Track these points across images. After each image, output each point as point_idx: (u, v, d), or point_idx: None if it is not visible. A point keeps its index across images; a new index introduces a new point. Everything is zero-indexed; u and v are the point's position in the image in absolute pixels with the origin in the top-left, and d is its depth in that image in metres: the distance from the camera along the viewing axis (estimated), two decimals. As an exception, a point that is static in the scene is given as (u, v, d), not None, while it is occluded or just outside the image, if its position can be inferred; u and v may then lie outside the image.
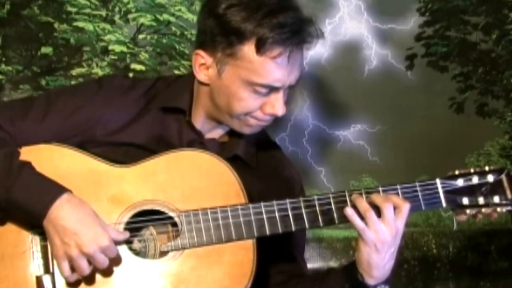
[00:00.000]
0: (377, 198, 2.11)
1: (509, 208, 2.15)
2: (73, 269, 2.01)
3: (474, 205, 2.15)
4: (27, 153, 2.08)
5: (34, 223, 2.02)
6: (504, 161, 3.60)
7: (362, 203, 2.11)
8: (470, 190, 2.15)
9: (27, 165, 2.05)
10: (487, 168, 2.16)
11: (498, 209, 2.15)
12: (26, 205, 2.00)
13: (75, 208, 2.00)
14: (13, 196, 2.01)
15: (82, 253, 1.98)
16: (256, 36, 2.06)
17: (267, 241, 2.12)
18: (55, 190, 2.02)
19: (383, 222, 2.08)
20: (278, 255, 2.25)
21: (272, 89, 2.11)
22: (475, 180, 2.16)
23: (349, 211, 2.10)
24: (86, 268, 2.00)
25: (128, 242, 2.09)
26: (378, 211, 2.09)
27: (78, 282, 2.04)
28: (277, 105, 2.13)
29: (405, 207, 2.10)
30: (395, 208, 2.09)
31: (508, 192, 2.14)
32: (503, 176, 2.15)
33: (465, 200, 2.15)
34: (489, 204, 2.15)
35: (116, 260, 2.06)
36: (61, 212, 1.99)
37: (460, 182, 2.16)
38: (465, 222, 2.27)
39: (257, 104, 2.13)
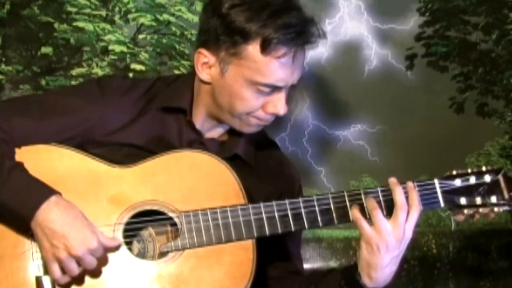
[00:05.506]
0: (398, 197, 2.10)
1: (506, 208, 2.15)
2: (63, 271, 2.01)
3: (471, 205, 2.15)
4: (26, 154, 2.08)
5: (23, 225, 2.02)
6: (504, 161, 3.59)
7: (371, 201, 2.11)
8: (468, 190, 2.15)
9: (18, 167, 2.05)
10: (484, 169, 2.17)
11: (495, 209, 2.15)
12: (14, 207, 2.00)
13: (64, 211, 2.00)
14: (1, 198, 2.00)
15: (71, 255, 1.98)
16: (261, 36, 2.07)
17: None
18: (43, 192, 2.01)
19: (392, 223, 2.09)
20: (274, 249, 2.25)
21: (275, 89, 2.13)
22: (472, 180, 2.16)
23: (354, 208, 2.11)
24: (75, 270, 2.00)
25: (127, 243, 2.09)
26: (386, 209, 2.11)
27: (77, 284, 2.05)
28: (279, 105, 2.14)
29: (417, 209, 2.11)
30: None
31: (505, 192, 2.14)
32: (500, 177, 2.16)
33: (463, 200, 2.15)
34: (486, 204, 2.15)
35: (115, 261, 2.06)
36: (49, 215, 1.99)
37: (457, 182, 2.16)
38: (463, 222, 2.27)
39: (259, 103, 2.14)
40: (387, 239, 2.08)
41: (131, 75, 3.34)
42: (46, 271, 2.05)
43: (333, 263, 3.49)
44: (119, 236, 2.08)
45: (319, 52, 3.41)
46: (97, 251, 2.00)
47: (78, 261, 2.00)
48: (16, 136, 2.10)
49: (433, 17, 3.57)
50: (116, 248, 2.06)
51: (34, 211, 1.99)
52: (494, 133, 3.61)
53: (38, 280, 2.05)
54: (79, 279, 2.03)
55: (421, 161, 3.48)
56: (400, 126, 3.55)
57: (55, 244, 1.98)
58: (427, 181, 2.16)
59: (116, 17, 3.38)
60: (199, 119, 2.23)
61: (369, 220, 2.11)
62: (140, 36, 3.40)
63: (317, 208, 2.13)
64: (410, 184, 2.13)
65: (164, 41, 3.40)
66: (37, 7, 3.33)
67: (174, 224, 2.12)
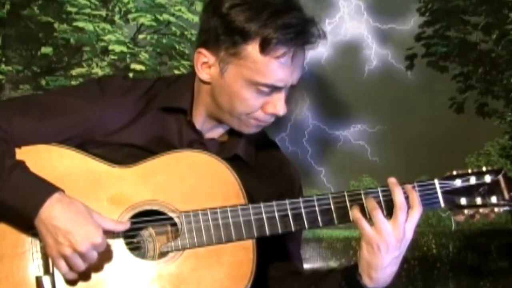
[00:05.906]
0: (397, 197, 2.11)
1: (506, 208, 2.15)
2: (70, 267, 2.01)
3: (471, 205, 2.15)
4: (26, 153, 2.08)
5: (27, 223, 2.02)
6: (504, 161, 3.59)
7: (371, 201, 2.11)
8: (468, 191, 2.16)
9: (20, 165, 2.04)
10: (484, 169, 2.17)
11: (496, 210, 2.15)
12: (17, 206, 2.00)
13: (67, 208, 2.00)
14: (3, 197, 2.00)
15: (76, 251, 1.99)
16: (260, 36, 2.07)
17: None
18: (46, 190, 2.01)
19: (392, 223, 2.08)
20: (274, 249, 2.26)
21: (275, 89, 2.13)
22: (472, 180, 2.16)
23: (354, 208, 2.11)
24: (81, 266, 2.01)
25: (128, 243, 2.09)
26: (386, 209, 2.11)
27: (77, 284, 2.05)
28: (278, 105, 2.14)
29: (418, 210, 2.11)
30: (408, 208, 2.10)
31: (505, 192, 2.15)
32: (500, 177, 2.16)
33: (463, 201, 2.15)
34: (486, 204, 2.15)
35: (115, 261, 2.06)
36: (53, 212, 1.99)
37: (458, 183, 2.16)
38: (463, 222, 2.27)
39: (259, 103, 2.14)
40: (388, 239, 2.08)
41: (131, 75, 3.34)
42: (46, 271, 2.05)
43: (333, 263, 3.49)
44: (119, 236, 2.08)
45: (319, 52, 3.41)
46: (101, 246, 2.01)
47: (82, 257, 2.00)
48: (17, 136, 2.10)
49: (433, 17, 3.57)
50: (126, 231, 2.06)
51: (38, 209, 1.99)
52: (494, 133, 3.61)
53: (38, 280, 2.05)
54: (80, 278, 2.03)
55: (421, 161, 3.48)
56: (400, 126, 3.55)
57: (59, 241, 1.98)
58: (427, 181, 2.16)
59: (116, 17, 3.38)
60: (199, 119, 2.23)
61: (370, 220, 2.11)
62: (140, 36, 3.40)
63: (317, 208, 2.13)
64: (409, 185, 2.13)
65: (164, 41, 3.40)
66: (37, 7, 3.33)
67: (174, 224, 2.12)
